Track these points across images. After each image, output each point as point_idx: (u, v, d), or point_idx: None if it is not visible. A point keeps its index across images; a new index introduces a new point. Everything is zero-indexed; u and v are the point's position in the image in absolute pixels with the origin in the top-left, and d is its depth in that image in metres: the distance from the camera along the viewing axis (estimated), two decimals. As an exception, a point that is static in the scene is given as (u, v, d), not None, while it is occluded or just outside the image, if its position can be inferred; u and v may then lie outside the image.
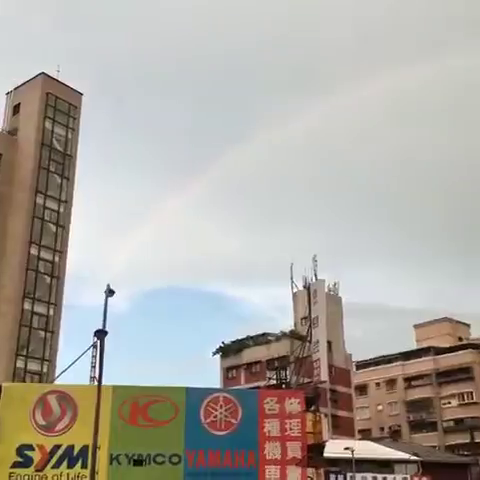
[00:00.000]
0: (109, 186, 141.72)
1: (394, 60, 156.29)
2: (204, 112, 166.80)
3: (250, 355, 63.78)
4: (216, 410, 26.38)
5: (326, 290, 52.52)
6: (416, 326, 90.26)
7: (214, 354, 66.43)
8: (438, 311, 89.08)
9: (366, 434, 73.64)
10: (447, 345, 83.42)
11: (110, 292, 20.05)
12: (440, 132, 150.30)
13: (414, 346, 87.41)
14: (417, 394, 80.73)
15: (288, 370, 42.82)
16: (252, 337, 65.44)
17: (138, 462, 25.29)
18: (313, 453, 26.57)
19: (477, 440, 69.96)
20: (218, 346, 66.41)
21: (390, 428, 79.70)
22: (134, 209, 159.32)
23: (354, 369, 74.27)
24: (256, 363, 63.06)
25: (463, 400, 77.20)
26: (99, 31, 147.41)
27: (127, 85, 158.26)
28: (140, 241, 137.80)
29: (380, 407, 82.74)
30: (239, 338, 66.13)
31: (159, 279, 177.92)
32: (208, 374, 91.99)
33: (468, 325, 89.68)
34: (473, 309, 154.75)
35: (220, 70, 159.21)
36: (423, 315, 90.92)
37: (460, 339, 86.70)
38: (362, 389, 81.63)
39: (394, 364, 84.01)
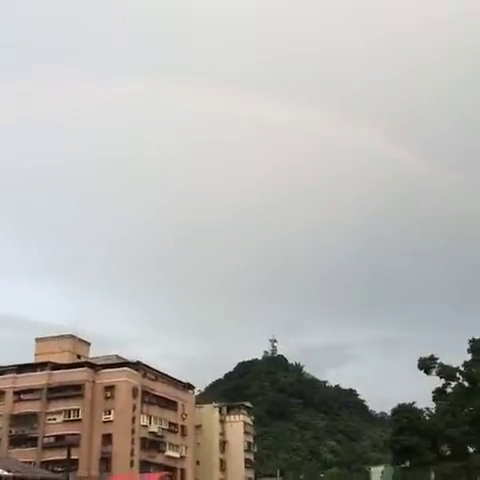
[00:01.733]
0: None
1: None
2: None
3: None
4: None
5: None
6: (38, 340, 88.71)
7: None
8: (82, 328, 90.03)
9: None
10: (66, 361, 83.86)
11: None
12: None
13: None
14: (24, 408, 78.87)
15: None
16: None
17: None
18: None
19: (74, 456, 71.02)
20: None
21: (-11, 442, 75.82)
22: None
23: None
24: None
25: (69, 417, 77.99)
26: None
27: None
28: None
29: (-18, 420, 78.22)
30: None
31: None
32: None
33: (89, 344, 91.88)
34: (97, 328, 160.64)
35: None
36: (61, 331, 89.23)
37: (79, 357, 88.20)
38: (-35, 401, 76.13)
39: (6, 376, 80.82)
